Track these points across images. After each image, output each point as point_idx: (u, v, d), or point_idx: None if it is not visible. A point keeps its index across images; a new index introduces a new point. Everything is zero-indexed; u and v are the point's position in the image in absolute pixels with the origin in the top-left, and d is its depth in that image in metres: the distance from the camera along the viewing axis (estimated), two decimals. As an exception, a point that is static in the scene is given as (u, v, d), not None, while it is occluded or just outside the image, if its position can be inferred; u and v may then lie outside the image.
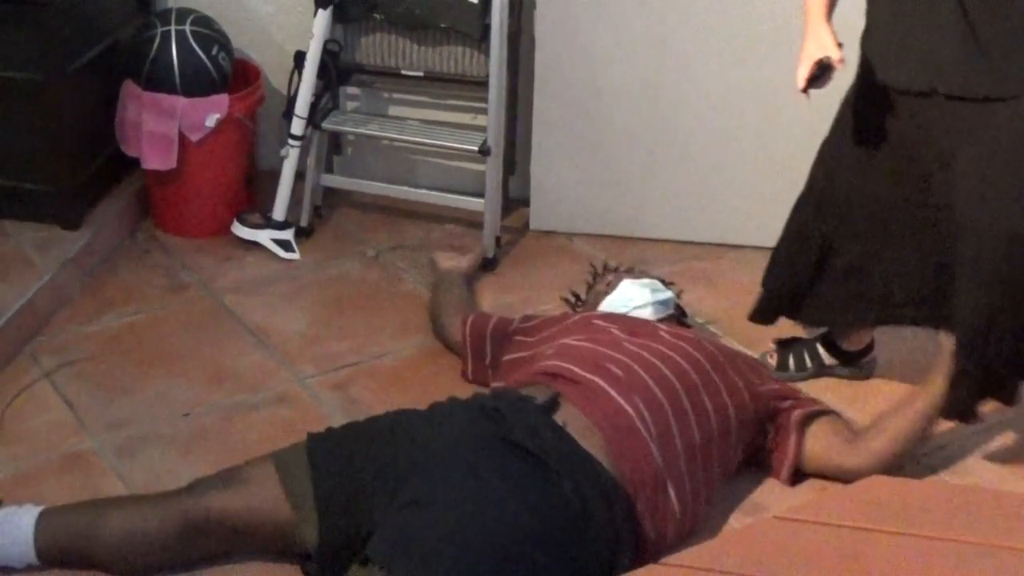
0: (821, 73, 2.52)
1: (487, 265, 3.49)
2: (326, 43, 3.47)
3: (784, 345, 3.06)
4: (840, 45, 2.50)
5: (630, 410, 2.37)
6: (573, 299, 3.09)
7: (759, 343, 3.08)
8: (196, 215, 3.58)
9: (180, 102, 3.39)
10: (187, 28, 3.44)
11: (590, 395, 2.39)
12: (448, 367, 3.00)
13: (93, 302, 3.24)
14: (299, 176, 3.57)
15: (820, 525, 1.66)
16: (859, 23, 2.62)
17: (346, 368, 3.02)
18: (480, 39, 3.45)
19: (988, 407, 2.69)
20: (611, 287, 2.95)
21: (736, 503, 2.60)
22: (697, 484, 2.42)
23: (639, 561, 2.20)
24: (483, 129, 3.51)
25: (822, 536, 1.64)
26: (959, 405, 2.62)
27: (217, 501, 2.27)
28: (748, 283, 3.10)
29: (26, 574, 2.30)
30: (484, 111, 3.50)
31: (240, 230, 3.53)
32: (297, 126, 3.49)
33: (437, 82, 3.64)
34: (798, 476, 2.66)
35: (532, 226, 3.71)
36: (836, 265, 2.80)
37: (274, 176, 3.54)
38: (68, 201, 3.37)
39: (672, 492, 2.36)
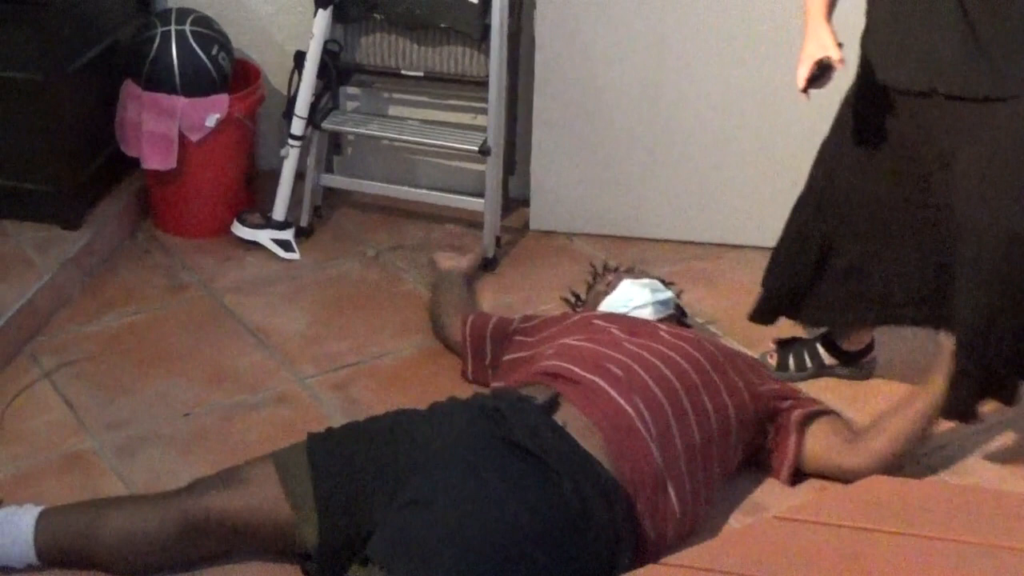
0: (821, 73, 2.52)
1: (487, 265, 3.49)
2: (326, 43, 3.47)
3: (784, 345, 3.06)
4: (840, 45, 2.50)
5: (630, 410, 2.37)
6: (573, 299, 3.09)
7: (759, 343, 3.08)
8: (196, 215, 3.58)
9: (180, 102, 3.39)
10: (187, 28, 3.44)
11: (590, 395, 2.39)
12: (448, 367, 3.00)
13: (93, 302, 3.24)
14: (299, 176, 3.57)
15: (820, 525, 1.66)
16: (859, 23, 2.62)
17: (346, 368, 3.02)
18: (480, 39, 3.45)
19: (988, 407, 2.69)
20: (611, 287, 2.95)
21: (736, 503, 2.60)
22: (697, 484, 2.42)
23: (639, 561, 2.20)
24: (483, 129, 3.51)
25: (822, 536, 1.64)
26: (959, 405, 2.62)
27: (217, 501, 2.27)
28: (748, 283, 3.10)
29: (26, 574, 2.30)
30: (484, 111, 3.50)
31: (240, 230, 3.53)
32: (297, 126, 3.49)
33: (437, 82, 3.64)
34: (798, 476, 2.66)
35: (532, 226, 3.71)
36: (836, 265, 2.80)
37: (274, 176, 3.54)
38: (68, 201, 3.37)
39: (672, 492, 2.36)
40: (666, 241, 3.66)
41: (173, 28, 3.43)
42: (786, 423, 2.64)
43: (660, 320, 2.83)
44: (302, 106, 3.47)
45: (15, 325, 3.00)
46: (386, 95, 3.81)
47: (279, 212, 3.53)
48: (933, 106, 2.53)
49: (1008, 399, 2.69)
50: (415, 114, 3.77)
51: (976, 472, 2.73)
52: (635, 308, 2.86)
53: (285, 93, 3.56)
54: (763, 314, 2.96)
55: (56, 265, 3.21)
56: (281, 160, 3.53)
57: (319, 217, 3.70)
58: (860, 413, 2.85)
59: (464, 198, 3.59)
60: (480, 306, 3.26)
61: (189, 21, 3.46)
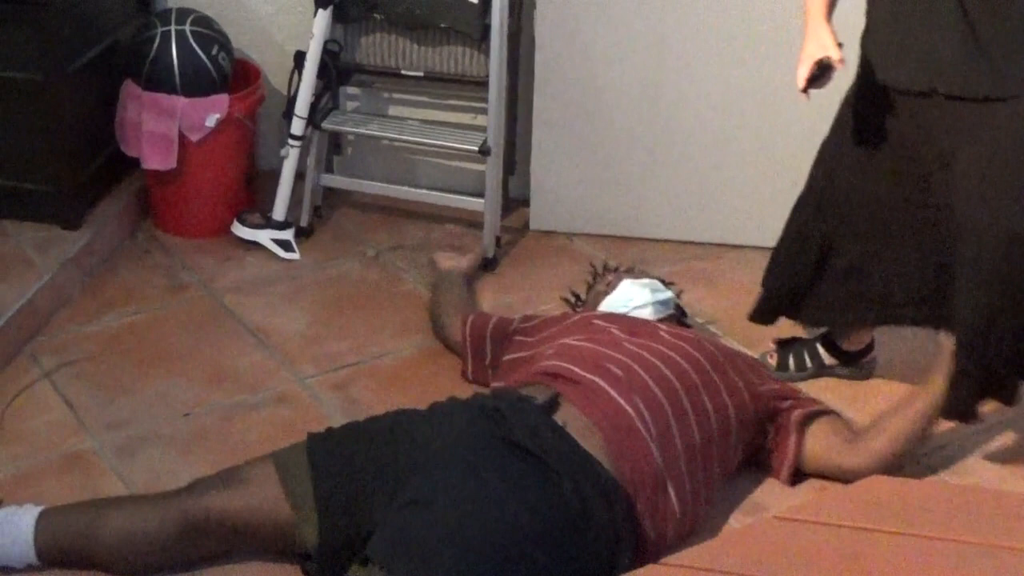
0: (821, 73, 2.52)
1: (487, 265, 3.49)
2: (326, 43, 3.47)
3: (784, 345, 3.06)
4: (840, 45, 2.50)
5: (630, 410, 2.37)
6: (573, 299, 3.09)
7: (759, 343, 3.08)
8: (196, 215, 3.58)
9: (180, 102, 3.39)
10: (187, 28, 3.44)
11: (590, 395, 2.39)
12: (448, 367, 3.00)
13: (93, 302, 3.24)
14: (299, 176, 3.57)
15: (820, 525, 1.66)
16: (859, 23, 2.63)
17: (346, 368, 3.02)
18: (480, 39, 3.45)
19: (988, 407, 2.69)
20: (611, 287, 2.95)
21: (736, 503, 2.60)
22: (697, 484, 2.42)
23: (639, 561, 2.20)
24: (483, 129, 3.51)
25: (822, 536, 1.64)
26: (959, 405, 2.62)
27: (217, 501, 2.27)
28: (748, 283, 3.10)
29: (26, 574, 2.30)
30: (484, 111, 3.50)
31: (240, 230, 3.53)
32: (297, 126, 3.49)
33: (437, 82, 3.64)
34: (798, 476, 2.66)
35: (532, 226, 3.71)
36: (836, 265, 2.80)
37: (274, 176, 3.54)
38: (68, 201, 3.37)
39: (672, 492, 2.36)
40: (666, 241, 3.66)
41: (173, 28, 3.43)
42: (786, 423, 2.64)
43: (660, 320, 2.83)
44: (302, 106, 3.47)
45: (15, 325, 3.00)
46: (386, 95, 3.81)
47: (279, 212, 3.53)
48: (933, 106, 2.53)
49: (1008, 399, 2.69)
50: (415, 114, 3.77)
51: (976, 472, 2.73)
52: (635, 308, 2.86)
53: (285, 93, 3.56)
54: (763, 314, 2.96)
55: (56, 265, 3.21)
56: (281, 160, 3.53)
57: (319, 217, 3.70)
58: (860, 413, 2.85)
59: (464, 198, 3.59)
60: (480, 306, 3.26)
61: (189, 21, 3.46)
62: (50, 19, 3.21)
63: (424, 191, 3.68)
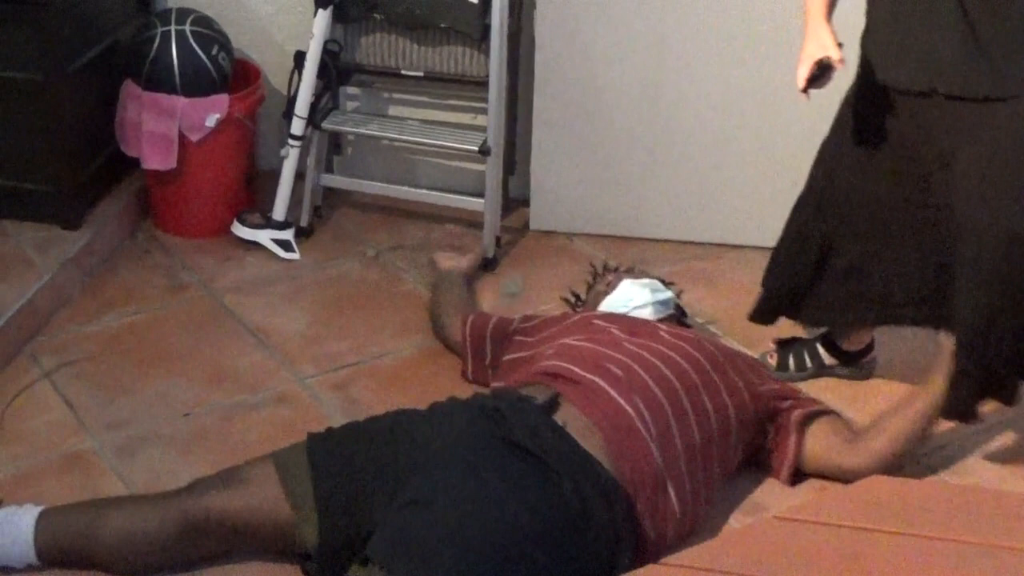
0: (821, 73, 2.52)
1: (487, 265, 3.49)
2: (326, 43, 3.47)
3: (784, 345, 3.06)
4: (840, 45, 2.50)
5: (630, 410, 2.37)
6: (573, 299, 3.09)
7: (759, 343, 3.08)
8: (196, 215, 3.58)
9: (180, 102, 3.39)
10: (187, 28, 3.44)
11: (590, 395, 2.39)
12: (448, 367, 3.00)
13: (93, 302, 3.24)
14: (299, 176, 3.57)
15: (820, 525, 1.66)
16: (859, 23, 2.63)
17: (346, 368, 3.02)
18: (480, 39, 3.45)
19: (988, 407, 2.69)
20: (611, 287, 2.95)
21: (736, 503, 2.60)
22: (697, 484, 2.42)
23: (639, 561, 2.20)
24: (483, 129, 3.51)
25: (822, 536, 1.64)
26: (959, 405, 2.62)
27: (217, 501, 2.27)
28: (748, 283, 3.10)
29: (26, 574, 2.30)
30: (484, 111, 3.50)
31: (240, 230, 3.53)
32: (297, 126, 3.49)
33: (437, 82, 3.64)
34: (798, 476, 2.66)
35: (532, 226, 3.71)
36: (836, 265, 2.80)
37: (274, 176, 3.54)
38: (68, 201, 3.37)
39: (672, 492, 2.36)
40: (666, 241, 3.66)
41: (173, 28, 3.43)
42: (786, 423, 2.64)
43: (660, 320, 2.83)
44: (302, 106, 3.47)
45: (15, 325, 3.00)
46: (386, 95, 3.81)
47: (279, 212, 3.53)
48: (933, 106, 2.53)
49: (1008, 399, 2.69)
50: (415, 114, 3.77)
51: (976, 472, 2.73)
52: (635, 308, 2.86)
53: (285, 93, 3.56)
54: (763, 314, 2.96)
55: (56, 265, 3.21)
56: (281, 160, 3.53)
57: (319, 217, 3.70)
58: (860, 413, 2.85)
59: (464, 198, 3.59)
60: (480, 306, 3.26)
61: (189, 21, 3.46)
62: (50, 19, 3.21)
63: (424, 191, 3.68)
